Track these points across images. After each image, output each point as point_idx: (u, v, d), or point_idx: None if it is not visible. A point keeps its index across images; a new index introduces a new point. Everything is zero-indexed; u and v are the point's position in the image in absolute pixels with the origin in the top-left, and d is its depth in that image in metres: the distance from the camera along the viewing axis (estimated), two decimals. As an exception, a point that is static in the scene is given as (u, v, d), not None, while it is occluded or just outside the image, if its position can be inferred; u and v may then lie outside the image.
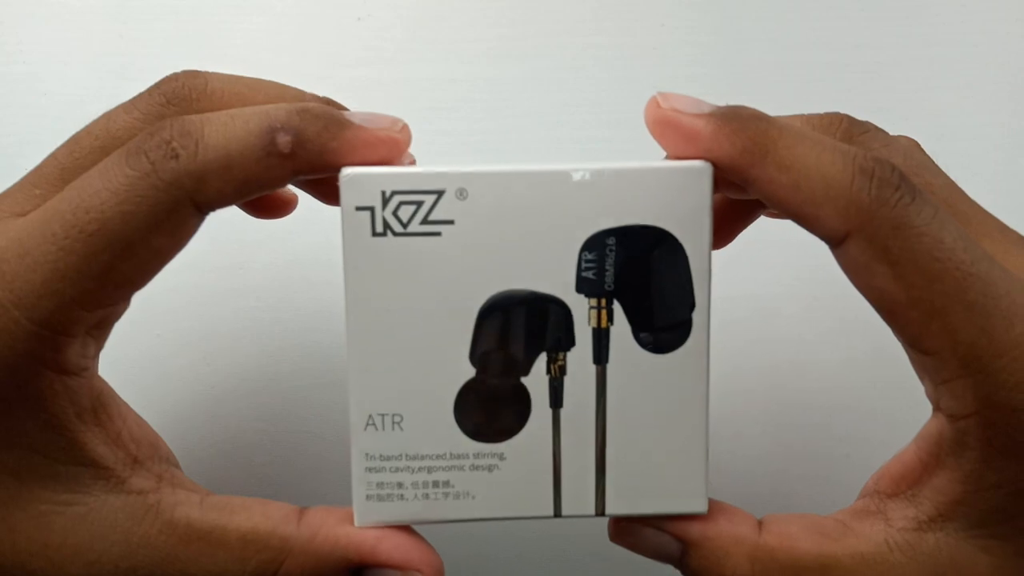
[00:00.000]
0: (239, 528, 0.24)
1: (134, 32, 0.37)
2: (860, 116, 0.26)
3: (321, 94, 0.27)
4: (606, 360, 0.24)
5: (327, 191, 0.29)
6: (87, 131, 0.25)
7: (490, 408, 0.24)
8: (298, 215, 0.31)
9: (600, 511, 0.25)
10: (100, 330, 0.24)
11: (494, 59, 0.38)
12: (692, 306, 0.24)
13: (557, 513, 0.25)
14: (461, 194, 0.23)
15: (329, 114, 0.23)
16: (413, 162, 0.26)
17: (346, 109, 0.26)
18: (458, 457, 0.24)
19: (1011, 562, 0.23)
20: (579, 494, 0.25)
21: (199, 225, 0.23)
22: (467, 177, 0.23)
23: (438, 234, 0.23)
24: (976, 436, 0.22)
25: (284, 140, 0.22)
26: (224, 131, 0.22)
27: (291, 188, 0.30)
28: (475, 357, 0.24)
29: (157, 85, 0.25)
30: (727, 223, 0.29)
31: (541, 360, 0.24)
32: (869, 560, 0.24)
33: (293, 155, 0.22)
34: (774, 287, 0.39)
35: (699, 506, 0.25)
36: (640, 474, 0.24)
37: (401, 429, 0.24)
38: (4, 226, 0.23)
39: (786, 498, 0.40)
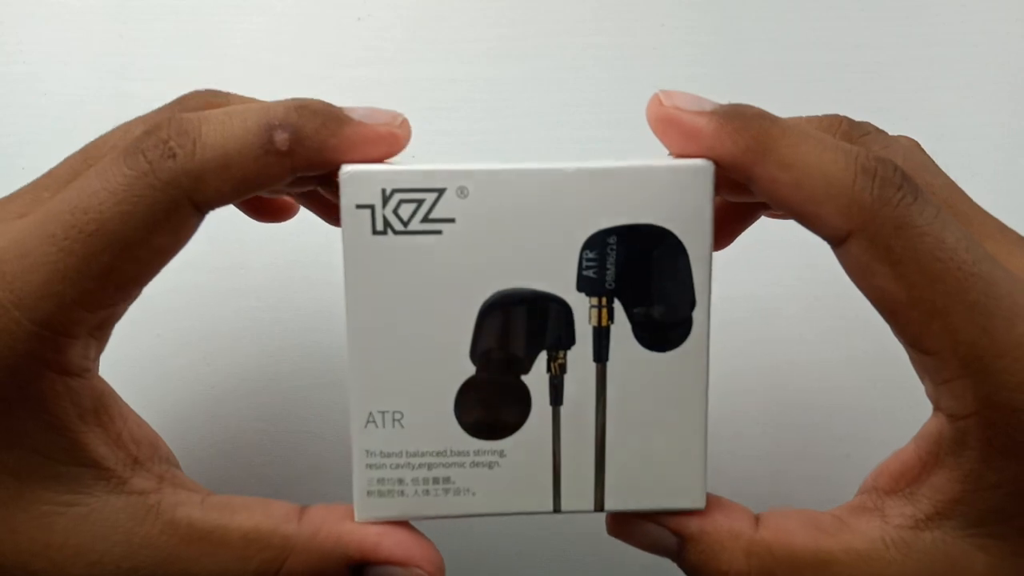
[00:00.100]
0: (241, 527, 0.24)
1: (134, 32, 0.37)
2: (860, 116, 0.26)
3: (321, 94, 0.27)
4: (606, 358, 0.24)
5: (328, 209, 0.29)
6: (103, 139, 0.25)
7: (490, 405, 0.24)
8: (298, 215, 0.31)
9: (599, 507, 0.25)
10: (101, 331, 0.24)
11: (494, 59, 0.38)
12: (692, 304, 0.24)
13: (556, 509, 0.25)
14: (462, 192, 0.23)
15: (328, 110, 0.23)
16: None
17: None
18: (458, 454, 0.24)
19: (1008, 562, 0.23)
20: (578, 490, 0.25)
21: (199, 224, 0.23)
22: (468, 175, 0.23)
23: (439, 232, 0.23)
24: (976, 436, 0.22)
25: (282, 138, 0.22)
26: (222, 129, 0.22)
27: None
28: (476, 355, 0.24)
29: (179, 100, 0.25)
30: (727, 224, 0.29)
31: (541, 358, 0.24)
32: (865, 556, 0.24)
33: (291, 153, 0.22)
34: (774, 287, 0.39)
35: (697, 502, 0.25)
36: (639, 470, 0.25)
37: (402, 426, 0.24)
38: (6, 227, 0.23)
39: (786, 498, 0.40)
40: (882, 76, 0.39)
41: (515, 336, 0.24)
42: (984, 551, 0.23)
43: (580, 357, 0.24)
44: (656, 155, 0.24)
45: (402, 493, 0.24)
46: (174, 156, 0.22)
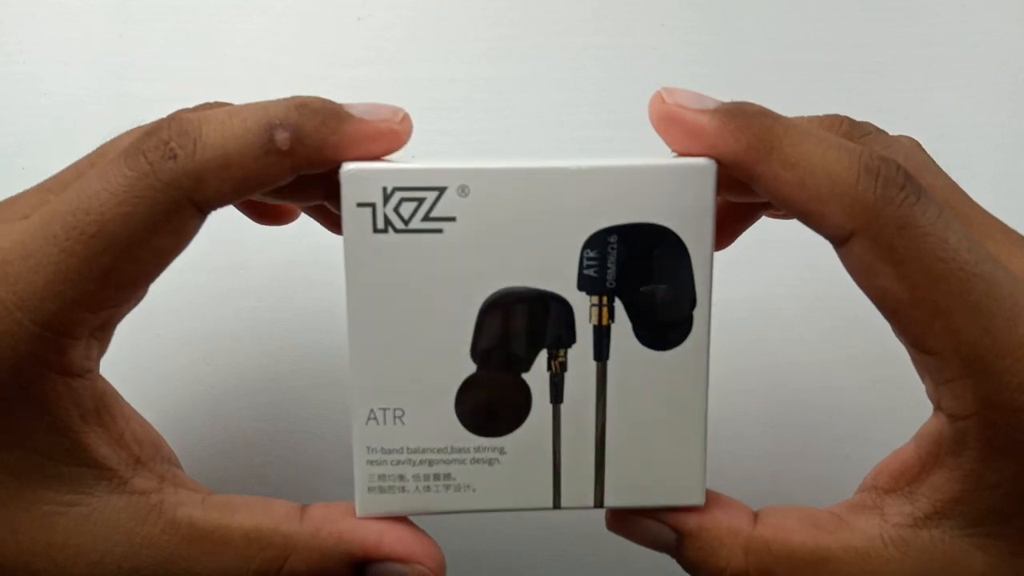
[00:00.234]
0: (242, 526, 0.24)
1: (134, 32, 0.37)
2: (860, 116, 0.26)
3: (321, 95, 0.27)
4: (607, 357, 0.24)
5: (332, 220, 0.29)
6: (112, 144, 0.25)
7: (491, 403, 0.24)
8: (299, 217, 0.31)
9: (599, 503, 0.25)
10: (104, 331, 0.24)
11: (494, 59, 0.38)
12: (693, 303, 0.24)
13: (556, 505, 0.25)
14: (463, 191, 0.23)
15: (328, 108, 0.23)
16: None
17: None
18: (459, 451, 0.24)
19: (1007, 561, 0.23)
20: (578, 487, 0.25)
21: (200, 225, 0.23)
22: (469, 174, 0.23)
23: (440, 231, 0.23)
24: (976, 436, 0.22)
25: (283, 137, 0.22)
26: (222, 129, 0.22)
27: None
28: (476, 353, 0.24)
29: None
30: (728, 224, 0.29)
31: (542, 356, 0.24)
32: (863, 554, 0.24)
33: (292, 152, 0.22)
34: (775, 288, 0.39)
35: (696, 500, 0.25)
36: (639, 467, 0.25)
37: (403, 423, 0.24)
38: (8, 228, 0.23)
39: (786, 498, 0.40)
40: (882, 76, 0.39)
41: (515, 334, 0.24)
42: (983, 551, 0.23)
43: (580, 355, 0.24)
44: (657, 154, 0.24)
45: (403, 489, 0.25)
46: (175, 157, 0.22)
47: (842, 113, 0.26)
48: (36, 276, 0.22)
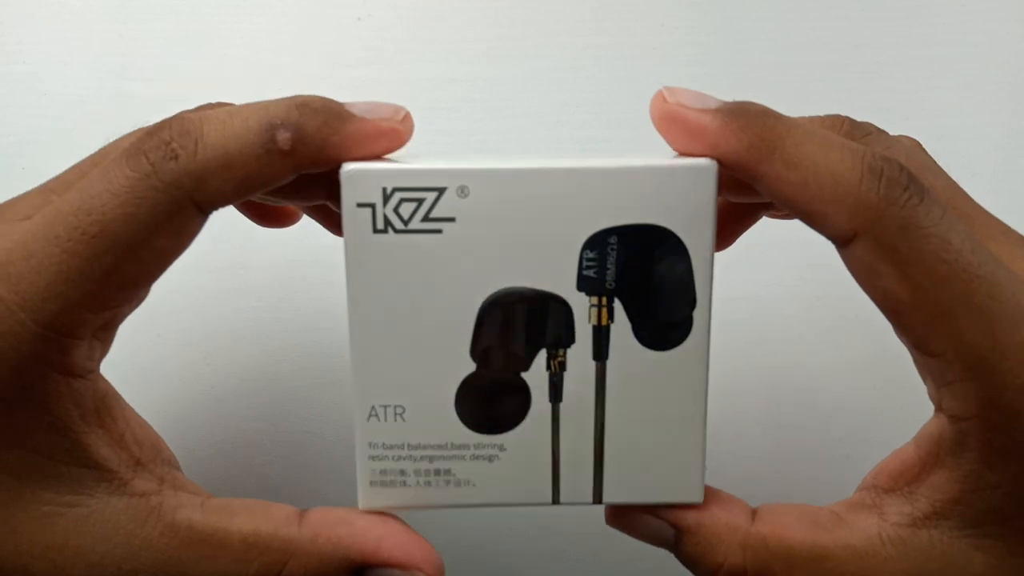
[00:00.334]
0: (241, 530, 0.24)
1: (134, 32, 0.37)
2: (860, 116, 0.26)
3: (321, 95, 0.27)
4: (606, 357, 0.24)
5: (331, 219, 0.29)
6: (115, 145, 0.25)
7: (490, 402, 0.24)
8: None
9: (598, 499, 0.25)
10: (106, 332, 0.24)
11: (494, 59, 0.38)
12: (693, 304, 0.24)
13: (555, 501, 0.25)
14: (462, 191, 0.23)
15: (329, 107, 0.23)
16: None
17: None
18: (459, 447, 0.24)
19: (1006, 562, 0.23)
20: (577, 483, 0.25)
21: (202, 225, 0.23)
22: (469, 174, 0.23)
23: (439, 231, 0.23)
24: (976, 437, 0.22)
25: (284, 137, 0.22)
26: (223, 129, 0.22)
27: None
28: (476, 352, 0.24)
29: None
30: (729, 225, 0.29)
31: (541, 356, 0.24)
32: (861, 552, 0.24)
33: (293, 151, 0.22)
34: (776, 288, 0.39)
35: (695, 498, 0.25)
36: (638, 465, 0.25)
37: (403, 420, 0.24)
38: (11, 229, 0.23)
39: (786, 498, 0.39)
40: (882, 76, 0.39)
41: (515, 334, 0.24)
42: (982, 551, 0.23)
43: (580, 355, 0.24)
44: (657, 154, 0.24)
45: (404, 483, 0.25)
46: (176, 157, 0.22)
47: (843, 113, 0.26)
48: (38, 276, 0.22)
